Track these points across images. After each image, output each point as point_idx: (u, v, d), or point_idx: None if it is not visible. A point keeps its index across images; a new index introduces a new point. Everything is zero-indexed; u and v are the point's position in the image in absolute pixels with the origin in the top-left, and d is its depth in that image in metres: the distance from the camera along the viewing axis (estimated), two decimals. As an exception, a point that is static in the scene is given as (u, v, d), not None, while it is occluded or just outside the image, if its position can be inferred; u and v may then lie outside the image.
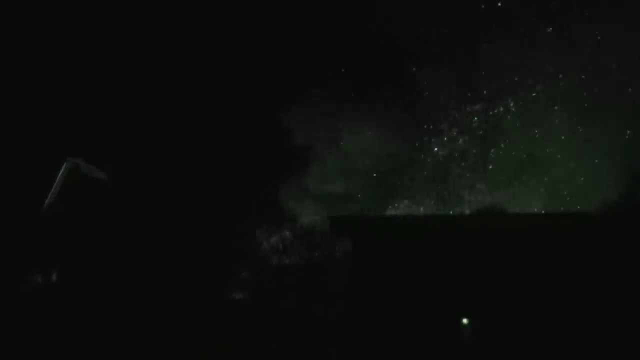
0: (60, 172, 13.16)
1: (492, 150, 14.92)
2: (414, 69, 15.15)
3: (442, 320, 10.24)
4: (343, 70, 15.29)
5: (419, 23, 14.57)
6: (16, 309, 11.74)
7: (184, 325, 11.70)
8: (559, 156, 14.54)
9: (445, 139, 15.20)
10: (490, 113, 15.01)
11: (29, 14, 15.45)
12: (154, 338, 11.31)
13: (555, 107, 14.66)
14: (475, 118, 15.09)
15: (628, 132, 14.16)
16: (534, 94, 14.79)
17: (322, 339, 11.38)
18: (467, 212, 14.43)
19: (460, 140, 15.20)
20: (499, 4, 14.81)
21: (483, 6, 14.88)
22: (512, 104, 14.92)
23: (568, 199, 14.32)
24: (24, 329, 11.33)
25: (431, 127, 15.23)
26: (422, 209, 14.93)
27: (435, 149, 15.23)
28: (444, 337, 10.17)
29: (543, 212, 14.22)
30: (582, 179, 14.32)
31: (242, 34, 15.74)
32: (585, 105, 14.45)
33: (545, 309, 10.16)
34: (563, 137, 14.55)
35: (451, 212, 14.66)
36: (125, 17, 15.50)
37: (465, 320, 10.18)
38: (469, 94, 15.15)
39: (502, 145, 14.94)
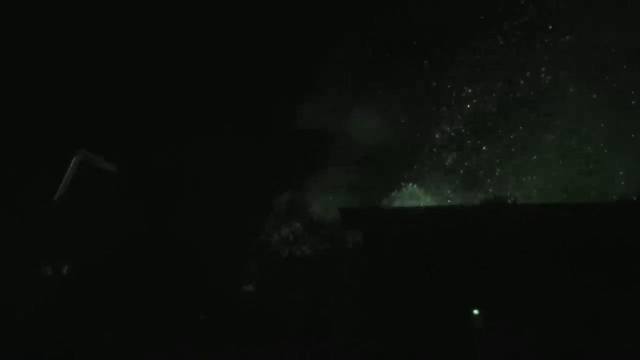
0: (71, 165, 13.22)
1: (512, 136, 14.77)
2: (431, 57, 15.09)
3: (453, 311, 10.22)
4: (351, 61, 15.22)
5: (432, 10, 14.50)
6: (27, 300, 11.83)
7: (190, 318, 11.71)
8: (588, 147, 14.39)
9: (460, 126, 15.11)
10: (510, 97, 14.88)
11: (45, 12, 15.51)
12: (158, 333, 11.32)
13: (579, 99, 14.51)
14: (492, 105, 14.98)
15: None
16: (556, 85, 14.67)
17: (332, 330, 11.38)
18: (478, 202, 14.32)
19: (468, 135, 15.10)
20: None
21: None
22: (532, 92, 14.80)
23: (590, 190, 14.17)
24: (31, 322, 11.39)
25: (447, 115, 15.15)
26: (431, 199, 14.86)
27: (448, 138, 15.16)
28: (454, 328, 10.14)
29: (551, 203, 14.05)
30: (604, 170, 14.18)
31: (257, 25, 15.72)
32: (612, 98, 14.27)
33: (555, 300, 10.12)
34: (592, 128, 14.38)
35: (462, 203, 14.56)
36: (139, 14, 15.54)
37: (475, 311, 10.15)
38: (486, 83, 15.05)
39: (521, 136, 14.83)
